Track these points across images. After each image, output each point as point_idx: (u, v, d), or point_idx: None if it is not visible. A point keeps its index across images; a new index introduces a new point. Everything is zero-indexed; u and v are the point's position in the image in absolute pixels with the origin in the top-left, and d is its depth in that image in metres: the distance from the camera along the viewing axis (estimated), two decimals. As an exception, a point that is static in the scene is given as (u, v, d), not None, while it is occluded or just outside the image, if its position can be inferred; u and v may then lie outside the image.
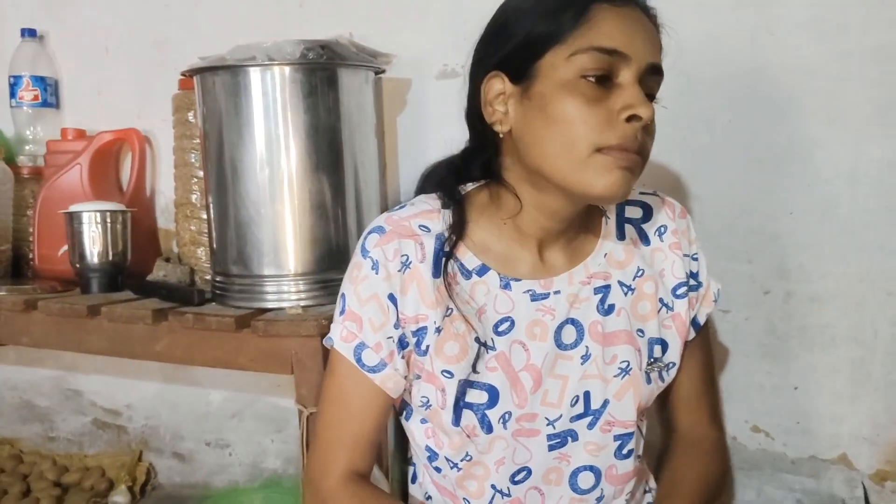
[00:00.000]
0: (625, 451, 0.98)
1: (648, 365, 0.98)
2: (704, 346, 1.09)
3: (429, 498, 1.05)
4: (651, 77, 0.86)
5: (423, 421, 1.00)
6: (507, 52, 0.88)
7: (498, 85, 0.89)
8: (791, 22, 1.31)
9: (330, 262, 1.29)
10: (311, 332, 1.20)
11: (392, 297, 0.93)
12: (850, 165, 1.31)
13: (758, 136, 1.34)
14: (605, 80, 0.83)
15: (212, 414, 1.76)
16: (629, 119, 0.82)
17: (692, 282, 1.03)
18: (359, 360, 0.94)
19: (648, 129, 0.86)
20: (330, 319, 1.20)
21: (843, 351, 1.33)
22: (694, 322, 1.04)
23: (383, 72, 1.42)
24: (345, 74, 1.30)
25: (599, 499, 0.99)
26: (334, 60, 1.28)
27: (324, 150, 1.28)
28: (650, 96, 0.87)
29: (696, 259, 1.04)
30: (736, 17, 1.34)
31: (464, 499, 0.99)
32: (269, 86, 1.24)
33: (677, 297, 1.01)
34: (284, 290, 1.28)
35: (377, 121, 1.40)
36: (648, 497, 1.09)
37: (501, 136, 0.91)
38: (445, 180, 1.00)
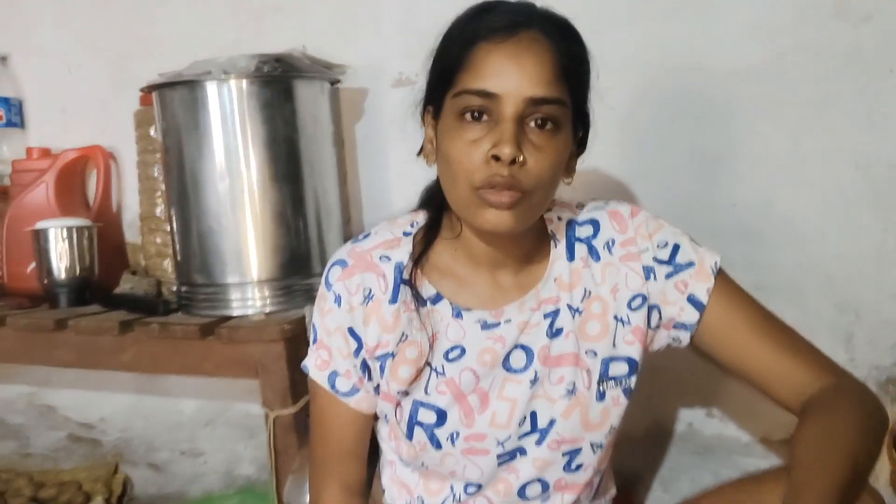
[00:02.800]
0: (574, 465, 0.99)
1: (601, 382, 0.98)
2: (735, 315, 0.99)
3: (383, 492, 1.09)
4: (539, 108, 0.86)
5: (387, 423, 1.05)
6: (429, 90, 0.95)
7: (430, 118, 0.95)
8: (727, 24, 1.37)
9: (292, 268, 1.33)
10: (273, 336, 1.24)
11: (352, 331, 0.99)
12: (789, 159, 1.37)
13: (700, 132, 1.40)
14: (486, 119, 0.86)
15: (184, 424, 1.79)
16: (495, 158, 0.84)
17: (667, 269, 0.99)
18: (333, 386, 1.01)
19: (524, 164, 0.85)
20: (292, 323, 1.26)
21: (788, 337, 1.39)
22: (692, 300, 0.99)
23: (338, 82, 1.46)
24: (300, 86, 1.34)
25: (545, 501, 1.02)
26: (289, 73, 1.32)
27: (282, 160, 1.32)
28: (547, 124, 0.87)
29: (663, 246, 1.00)
30: (675, 22, 1.39)
31: (418, 496, 1.04)
32: (225, 99, 1.29)
33: (633, 309, 0.99)
34: (248, 297, 1.32)
35: (335, 129, 1.45)
36: (601, 502, 1.12)
37: (428, 165, 0.97)
38: (432, 201, 1.03)
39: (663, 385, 1.48)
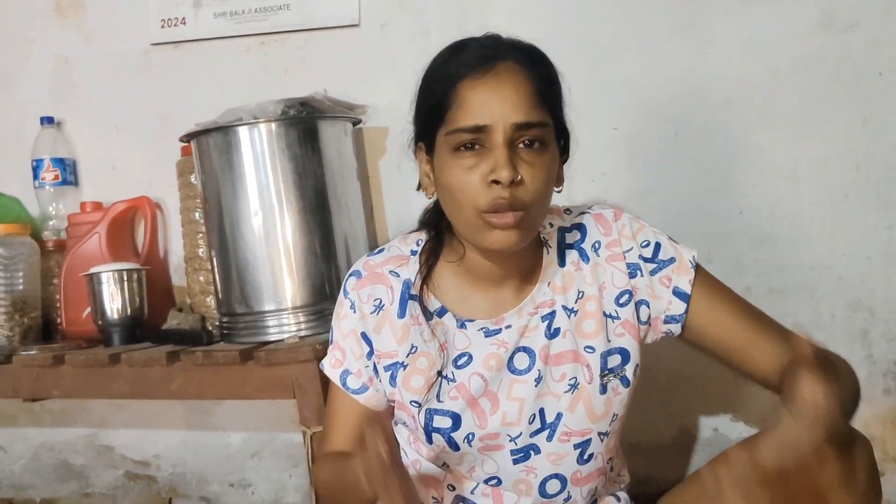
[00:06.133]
0: (586, 456, 1.06)
1: (604, 376, 1.04)
2: (715, 301, 1.06)
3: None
4: (525, 131, 0.93)
5: (406, 427, 1.13)
6: (418, 128, 1.04)
7: (422, 154, 1.04)
8: (721, 42, 1.45)
9: (322, 294, 1.43)
10: (307, 357, 1.33)
11: (364, 335, 1.09)
12: (791, 165, 1.43)
13: (703, 146, 1.47)
14: (479, 147, 0.94)
15: (233, 456, 1.87)
16: (494, 182, 0.92)
17: (651, 266, 1.06)
18: (344, 383, 1.11)
19: (521, 182, 0.93)
20: (324, 344, 1.34)
21: (804, 336, 1.42)
22: (677, 293, 1.05)
23: (360, 121, 1.57)
24: (323, 126, 1.45)
25: (567, 499, 1.08)
26: (312, 115, 1.44)
27: (310, 195, 1.43)
28: (535, 143, 0.94)
29: (646, 245, 1.07)
30: (672, 42, 1.48)
31: (449, 486, 1.11)
32: (256, 141, 1.40)
33: (621, 305, 1.06)
34: (284, 323, 1.42)
35: (359, 165, 1.55)
36: (614, 486, 1.17)
37: (428, 197, 1.06)
38: (430, 224, 1.11)
39: (687, 392, 1.52)
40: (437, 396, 1.05)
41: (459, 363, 1.05)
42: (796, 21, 1.40)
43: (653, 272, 1.06)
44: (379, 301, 1.08)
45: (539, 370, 1.04)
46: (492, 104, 0.93)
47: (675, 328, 1.07)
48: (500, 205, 0.92)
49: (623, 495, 1.18)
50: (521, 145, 0.94)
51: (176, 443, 1.92)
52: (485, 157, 0.93)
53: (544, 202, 0.98)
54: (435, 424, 1.05)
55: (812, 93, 1.41)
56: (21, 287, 1.74)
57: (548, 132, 0.96)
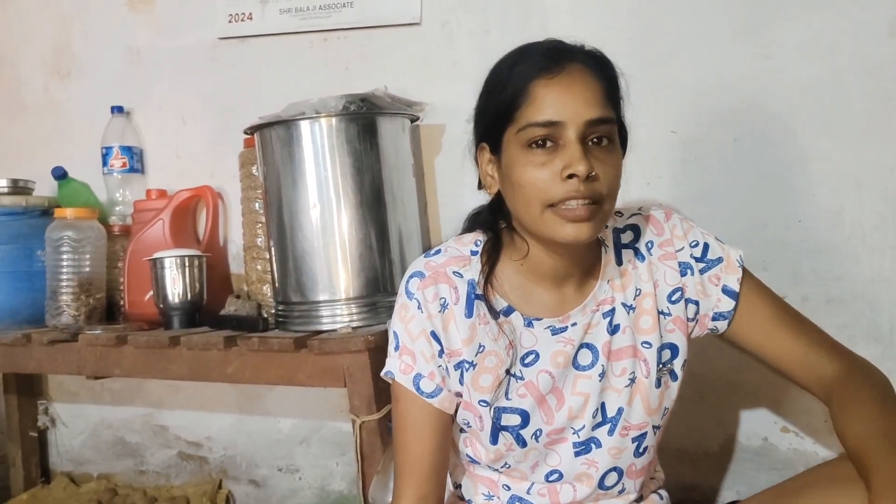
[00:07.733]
0: (641, 449, 1.10)
1: (659, 370, 1.08)
2: (759, 301, 1.11)
3: (458, 486, 1.18)
4: (596, 128, 0.96)
5: (463, 430, 1.14)
6: (482, 129, 1.06)
7: (486, 154, 1.06)
8: (785, 46, 1.43)
9: (376, 287, 1.45)
10: (359, 347, 1.35)
11: (434, 334, 1.08)
12: (854, 173, 1.40)
13: (764, 152, 1.45)
14: (550, 145, 0.96)
15: (282, 441, 1.92)
16: (570, 176, 0.94)
17: (701, 265, 1.10)
18: (417, 388, 1.08)
19: (596, 178, 0.95)
20: (375, 336, 1.37)
21: (861, 349, 1.36)
22: (726, 291, 1.09)
23: (418, 119, 1.59)
24: (382, 122, 1.48)
25: (621, 491, 1.12)
26: (372, 110, 1.46)
27: (367, 189, 1.46)
28: (603, 140, 0.97)
29: (695, 245, 1.11)
30: (734, 45, 1.46)
31: (504, 485, 1.12)
32: (316, 135, 1.44)
33: (672, 302, 1.10)
34: (337, 313, 1.45)
35: (415, 162, 1.58)
36: (654, 484, 1.20)
37: (491, 195, 1.08)
38: (486, 225, 1.13)
39: (736, 400, 1.51)
40: (506, 394, 1.07)
41: (526, 361, 1.07)
42: (865, 26, 1.37)
43: (702, 271, 1.10)
44: (444, 300, 1.08)
45: (602, 365, 1.07)
46: (565, 101, 0.95)
47: (722, 325, 1.12)
48: (572, 197, 0.94)
49: (664, 493, 1.21)
50: (591, 143, 0.97)
51: (228, 426, 1.98)
52: (557, 153, 0.95)
53: (615, 198, 1.00)
54: (503, 423, 1.07)
55: (878, 100, 1.37)
56: (88, 269, 1.81)
57: (614, 129, 0.99)
